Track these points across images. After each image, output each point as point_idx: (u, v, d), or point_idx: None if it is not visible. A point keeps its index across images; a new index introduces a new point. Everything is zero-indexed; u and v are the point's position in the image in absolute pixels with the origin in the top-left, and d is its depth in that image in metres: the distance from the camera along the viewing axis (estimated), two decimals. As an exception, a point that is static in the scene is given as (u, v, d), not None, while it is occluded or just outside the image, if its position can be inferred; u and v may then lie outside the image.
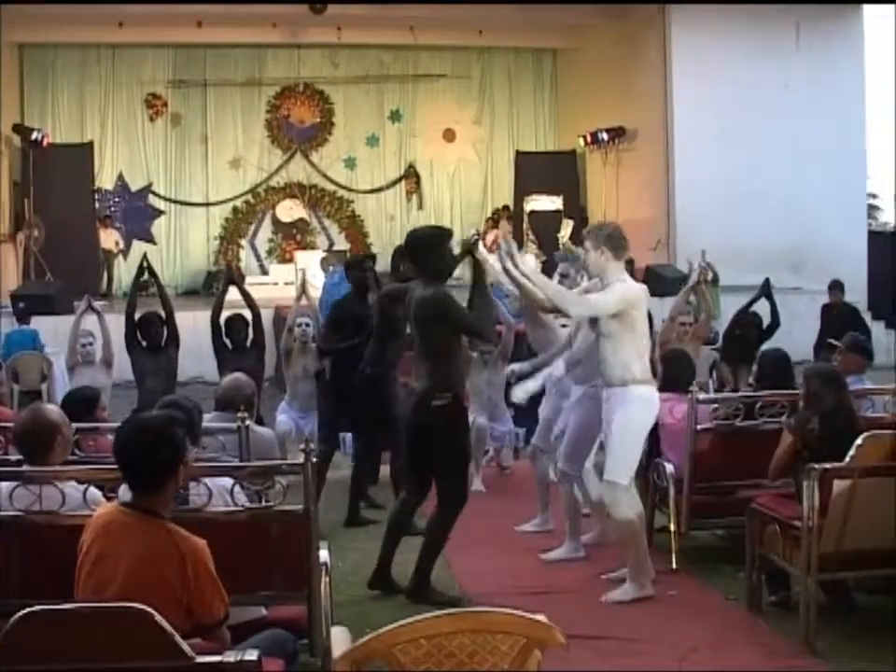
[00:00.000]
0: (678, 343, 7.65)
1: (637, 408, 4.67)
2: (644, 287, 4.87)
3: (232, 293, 7.49)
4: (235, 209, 17.41)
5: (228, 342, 7.19)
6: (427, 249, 4.73)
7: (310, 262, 13.93)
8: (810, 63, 14.01)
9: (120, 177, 16.92)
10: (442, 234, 4.88)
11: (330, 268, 12.25)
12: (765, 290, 8.56)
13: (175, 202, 17.19)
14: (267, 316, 11.37)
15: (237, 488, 3.55)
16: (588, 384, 5.26)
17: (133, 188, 16.99)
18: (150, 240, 16.90)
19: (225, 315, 7.29)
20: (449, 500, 4.74)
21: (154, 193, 17.11)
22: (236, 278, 7.95)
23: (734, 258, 11.53)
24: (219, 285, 9.41)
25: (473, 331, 5.09)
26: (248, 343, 7.24)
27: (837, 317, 10.24)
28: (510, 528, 6.08)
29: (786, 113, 13.78)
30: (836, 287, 10.71)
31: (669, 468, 5.32)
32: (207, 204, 17.29)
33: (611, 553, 5.19)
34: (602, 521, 5.47)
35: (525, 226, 16.15)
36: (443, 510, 4.75)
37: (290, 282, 13.79)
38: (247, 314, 7.37)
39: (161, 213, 17.16)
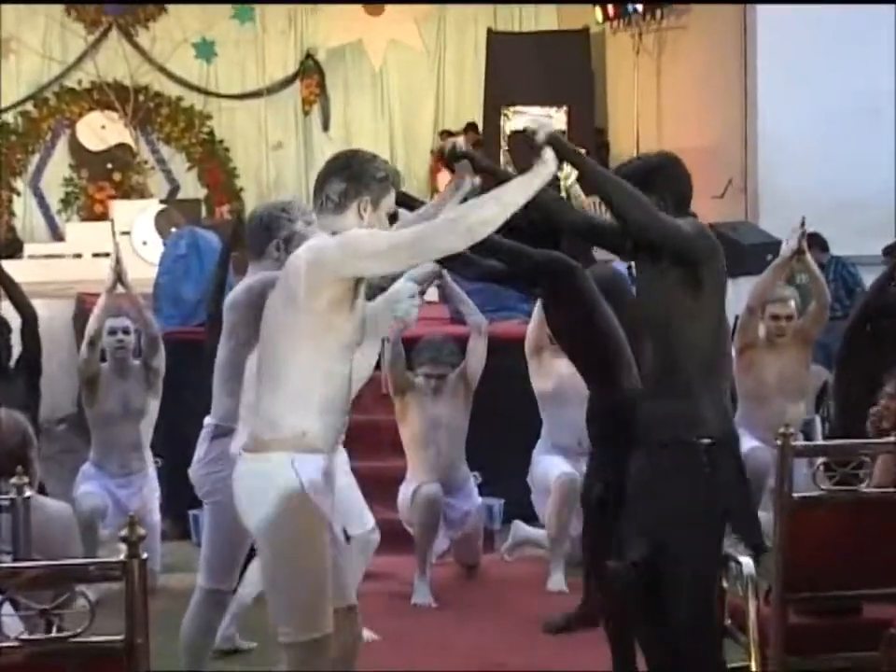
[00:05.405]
0: (768, 348, 7.76)
1: None
2: None
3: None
4: (5, 127, 17.39)
5: None
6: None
7: (137, 220, 13.89)
8: None
9: None
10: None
11: (173, 229, 12.19)
12: None
13: None
14: (65, 310, 11.33)
15: (7, 608, 3.51)
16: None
17: None
18: None
19: None
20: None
21: None
22: None
23: (843, 212, 11.62)
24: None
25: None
26: (12, 363, 7.28)
27: None
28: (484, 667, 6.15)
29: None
30: None
31: (748, 565, 5.33)
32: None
33: None
34: None
35: (501, 157, 16.20)
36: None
37: (103, 253, 13.69)
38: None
39: None
